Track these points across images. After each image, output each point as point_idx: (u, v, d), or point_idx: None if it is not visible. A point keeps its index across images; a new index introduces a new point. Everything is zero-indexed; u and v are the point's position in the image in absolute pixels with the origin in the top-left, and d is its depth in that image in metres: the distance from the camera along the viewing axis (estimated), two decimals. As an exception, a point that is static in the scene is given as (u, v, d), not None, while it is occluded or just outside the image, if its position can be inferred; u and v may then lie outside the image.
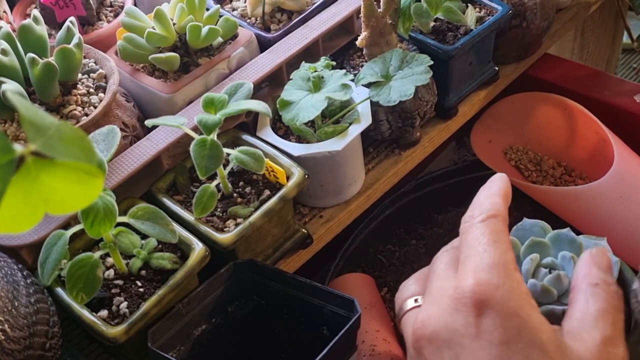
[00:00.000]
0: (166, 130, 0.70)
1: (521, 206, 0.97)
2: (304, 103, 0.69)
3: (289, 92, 0.71)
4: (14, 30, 0.71)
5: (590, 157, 0.96)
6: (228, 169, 0.69)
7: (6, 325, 0.53)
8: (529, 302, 0.47)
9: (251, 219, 0.65)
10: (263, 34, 0.79)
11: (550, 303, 0.54)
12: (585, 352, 0.47)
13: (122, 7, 0.86)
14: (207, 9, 0.77)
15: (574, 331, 0.48)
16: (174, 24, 0.75)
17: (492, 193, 0.53)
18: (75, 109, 0.70)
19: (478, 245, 0.49)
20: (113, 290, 0.62)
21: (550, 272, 0.55)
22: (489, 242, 0.49)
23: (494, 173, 0.94)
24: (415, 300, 0.55)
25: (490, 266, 0.47)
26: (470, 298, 0.47)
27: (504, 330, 0.45)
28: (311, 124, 0.73)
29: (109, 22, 0.84)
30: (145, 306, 0.60)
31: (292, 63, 0.77)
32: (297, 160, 0.69)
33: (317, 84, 0.71)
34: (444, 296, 0.49)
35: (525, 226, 0.59)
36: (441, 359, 0.47)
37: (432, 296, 0.50)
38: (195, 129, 0.66)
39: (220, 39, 0.77)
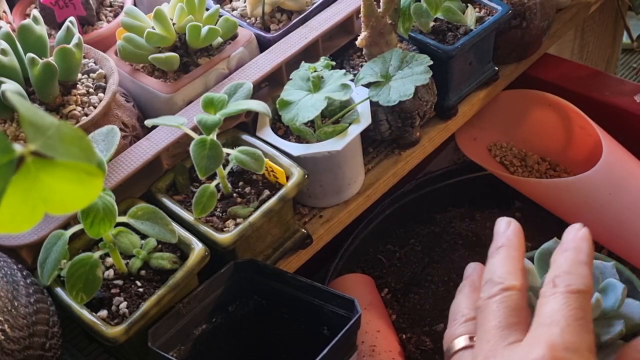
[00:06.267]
0: (166, 130, 0.70)
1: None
2: (303, 103, 0.69)
3: (288, 92, 0.71)
4: (13, 30, 0.71)
5: (575, 151, 0.97)
6: (228, 169, 0.69)
7: (6, 325, 0.53)
8: None
9: (251, 219, 0.65)
10: (263, 34, 0.79)
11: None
12: None
13: (121, 7, 0.86)
14: (207, 9, 0.77)
15: None
16: (173, 24, 0.75)
17: (581, 261, 0.50)
18: (75, 109, 0.70)
19: (561, 317, 0.47)
20: (113, 290, 0.62)
21: None
22: (574, 317, 0.47)
23: (491, 173, 0.94)
24: (471, 339, 0.53)
25: (571, 343, 0.45)
26: None
27: None
28: (311, 124, 0.73)
29: (108, 22, 0.84)
30: (144, 306, 0.60)
31: (292, 63, 0.77)
32: (297, 160, 0.69)
33: (316, 84, 0.71)
34: (512, 357, 0.47)
35: (545, 251, 0.57)
36: None
37: (492, 349, 0.49)
38: (194, 129, 0.66)
39: (220, 39, 0.77)
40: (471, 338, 0.53)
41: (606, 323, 0.53)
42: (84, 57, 0.75)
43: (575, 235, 0.52)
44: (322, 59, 0.74)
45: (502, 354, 0.48)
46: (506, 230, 0.55)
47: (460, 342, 0.53)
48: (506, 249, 0.54)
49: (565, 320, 0.47)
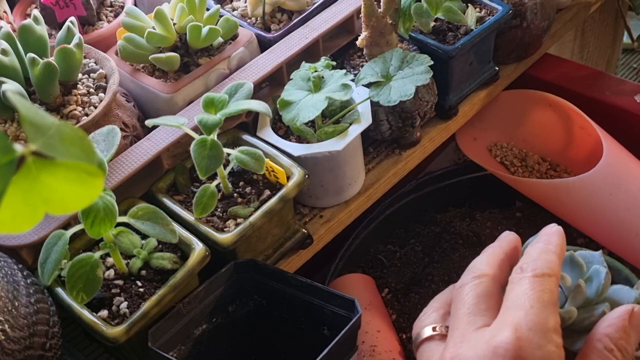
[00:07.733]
0: (166, 130, 0.70)
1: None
2: (304, 103, 0.69)
3: (289, 92, 0.71)
4: (14, 30, 0.71)
5: (575, 151, 0.97)
6: (228, 169, 0.69)
7: (6, 325, 0.53)
8: None
9: (251, 219, 0.65)
10: (263, 34, 0.79)
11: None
12: None
13: (122, 7, 0.86)
14: (208, 9, 0.77)
15: None
16: (174, 24, 0.75)
17: (549, 250, 0.52)
18: (75, 109, 0.70)
19: (526, 299, 0.48)
20: (113, 290, 0.62)
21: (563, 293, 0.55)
22: (537, 299, 0.48)
23: (492, 174, 0.94)
24: (434, 329, 0.55)
25: (535, 323, 0.47)
26: (510, 350, 0.46)
27: None
28: (311, 124, 0.73)
29: (109, 22, 0.84)
30: (145, 306, 0.60)
31: (292, 63, 0.77)
32: (298, 160, 0.69)
33: (317, 84, 0.71)
34: (479, 340, 0.48)
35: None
36: None
37: (461, 334, 0.50)
38: (195, 129, 0.66)
39: (220, 39, 0.77)
40: (434, 328, 0.55)
41: (590, 308, 0.54)
42: (85, 57, 0.75)
43: (549, 231, 0.55)
44: (322, 59, 0.74)
45: (470, 338, 0.49)
46: (503, 238, 0.57)
47: (427, 331, 0.56)
48: (492, 249, 0.56)
49: (529, 302, 0.48)
